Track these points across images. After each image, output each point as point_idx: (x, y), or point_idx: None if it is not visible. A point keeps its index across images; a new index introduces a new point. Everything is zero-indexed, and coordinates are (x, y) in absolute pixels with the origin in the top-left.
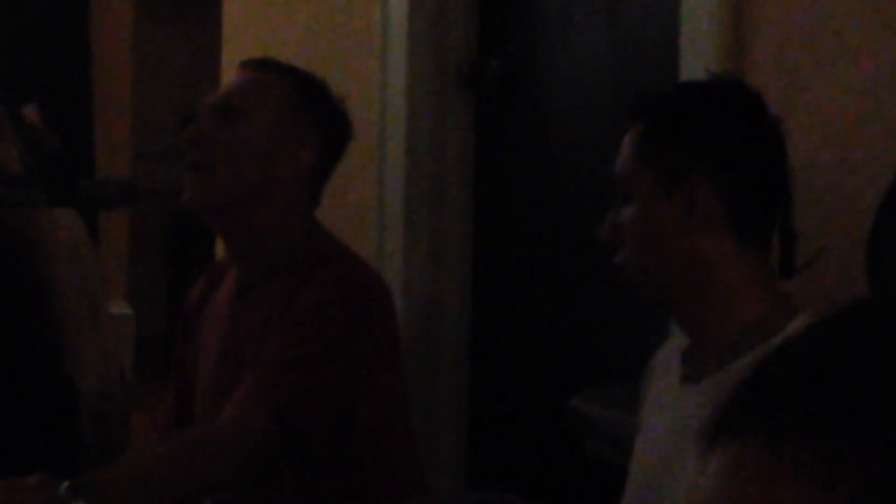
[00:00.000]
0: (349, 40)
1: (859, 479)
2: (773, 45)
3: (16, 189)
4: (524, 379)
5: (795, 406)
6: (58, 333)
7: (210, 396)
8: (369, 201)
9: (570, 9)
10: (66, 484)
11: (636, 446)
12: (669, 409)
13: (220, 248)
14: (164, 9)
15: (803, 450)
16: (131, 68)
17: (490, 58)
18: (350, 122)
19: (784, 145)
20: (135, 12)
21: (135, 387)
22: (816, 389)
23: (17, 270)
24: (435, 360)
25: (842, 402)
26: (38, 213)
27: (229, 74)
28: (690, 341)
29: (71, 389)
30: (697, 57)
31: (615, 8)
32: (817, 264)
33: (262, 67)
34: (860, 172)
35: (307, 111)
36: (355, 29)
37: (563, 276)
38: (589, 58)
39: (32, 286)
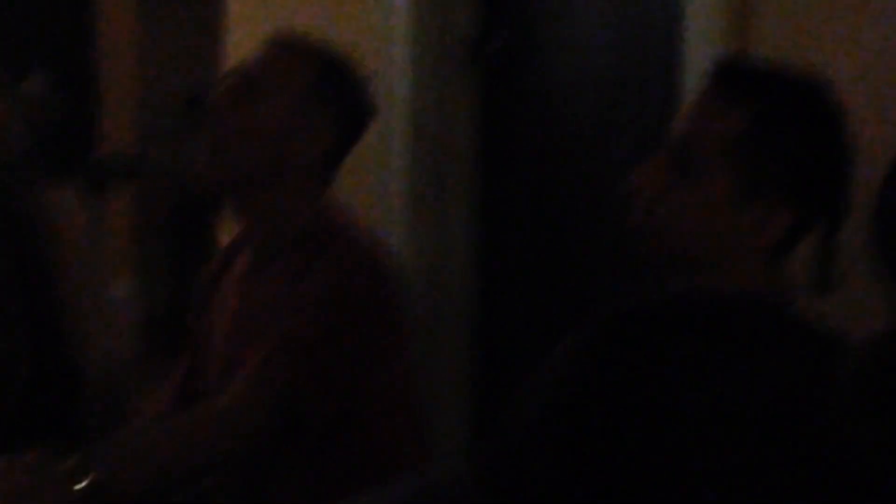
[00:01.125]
0: (352, 17)
1: None
2: (780, 21)
3: (17, 170)
4: (529, 357)
5: None
6: (62, 314)
7: (218, 374)
8: (374, 177)
9: None
10: (72, 460)
11: None
12: None
13: (223, 230)
14: None
15: None
16: (136, 48)
17: (494, 32)
18: (373, 104)
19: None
20: None
21: (139, 366)
22: None
23: (20, 252)
24: (440, 340)
25: None
26: (40, 194)
27: (235, 54)
28: None
29: (76, 371)
30: (702, 31)
31: None
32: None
33: (288, 46)
34: (866, 152)
35: (327, 94)
36: (358, 6)
37: (570, 251)
38: (592, 31)
39: (35, 268)
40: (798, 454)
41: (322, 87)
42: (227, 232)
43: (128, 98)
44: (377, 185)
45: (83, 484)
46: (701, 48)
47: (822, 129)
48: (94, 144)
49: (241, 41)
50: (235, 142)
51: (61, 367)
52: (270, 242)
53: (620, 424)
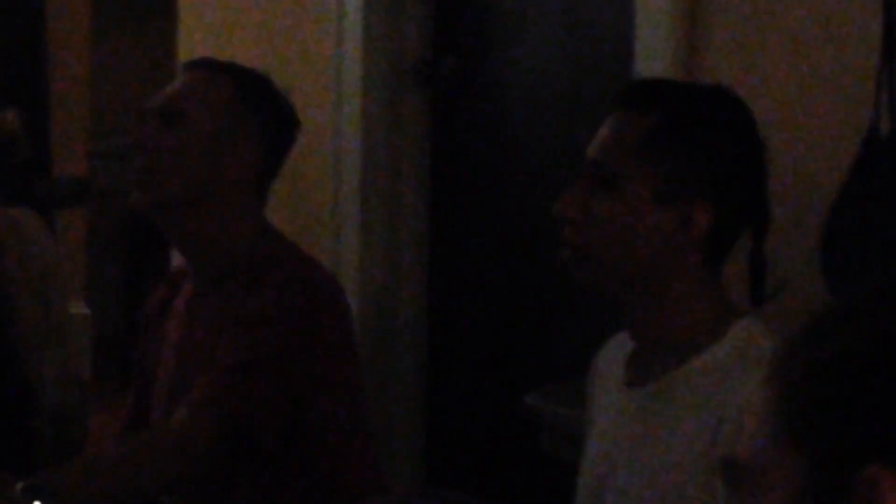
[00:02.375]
0: (304, 39)
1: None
2: (727, 41)
3: None
4: (480, 377)
5: None
6: (14, 334)
7: (166, 399)
8: (325, 201)
9: (525, 6)
10: (21, 484)
11: (586, 447)
12: (614, 413)
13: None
14: (120, 8)
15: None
16: (87, 67)
17: (445, 56)
18: (296, 116)
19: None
20: (91, 11)
21: (92, 387)
22: None
23: None
24: (391, 360)
25: None
26: None
27: None
28: (635, 346)
29: (28, 389)
30: (652, 54)
31: (570, 5)
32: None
33: (203, 68)
34: (815, 163)
35: (250, 110)
36: (310, 27)
37: (519, 275)
38: (544, 55)
39: None
40: None
41: (241, 100)
42: (176, 253)
43: (79, 120)
44: (328, 208)
45: None
46: (653, 67)
47: (725, 128)
48: (46, 165)
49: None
50: (164, 166)
51: (13, 385)
52: (212, 266)
53: None
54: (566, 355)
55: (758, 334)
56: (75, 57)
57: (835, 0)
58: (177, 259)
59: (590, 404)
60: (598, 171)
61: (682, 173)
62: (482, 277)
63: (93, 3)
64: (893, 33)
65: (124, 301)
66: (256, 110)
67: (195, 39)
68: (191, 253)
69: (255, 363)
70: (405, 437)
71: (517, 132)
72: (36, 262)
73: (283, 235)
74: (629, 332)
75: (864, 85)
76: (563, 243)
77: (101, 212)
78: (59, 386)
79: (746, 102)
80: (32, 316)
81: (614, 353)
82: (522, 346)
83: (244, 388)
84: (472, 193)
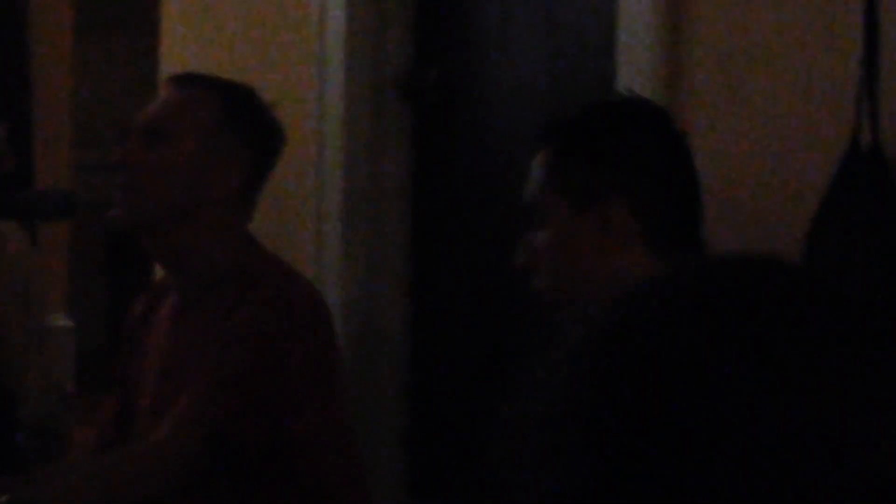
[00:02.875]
0: (286, 50)
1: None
2: (710, 51)
3: None
4: (463, 391)
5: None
6: None
7: (150, 414)
8: (307, 214)
9: (507, 18)
10: (4, 498)
11: None
12: None
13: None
14: (103, 18)
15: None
16: (70, 79)
17: (428, 68)
18: (281, 130)
19: (691, 158)
20: (73, 22)
21: (75, 399)
22: None
23: None
24: (374, 375)
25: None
26: None
27: None
28: None
29: (11, 402)
30: (634, 65)
31: (552, 17)
32: None
33: (187, 84)
34: (796, 175)
35: (235, 127)
36: (292, 39)
37: (502, 288)
38: (527, 67)
39: None
40: None
41: (226, 117)
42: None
43: (62, 132)
44: (310, 221)
45: None
46: (635, 79)
47: (620, 129)
48: (29, 177)
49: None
50: (148, 183)
51: None
52: (196, 282)
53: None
54: None
55: None
56: (58, 69)
57: (816, 11)
58: (159, 272)
59: None
60: (530, 212)
61: (588, 181)
62: (466, 289)
63: (76, 14)
64: (874, 44)
65: (107, 313)
66: (241, 126)
67: (177, 51)
68: (174, 269)
69: (238, 378)
70: (388, 451)
71: (500, 143)
72: (18, 274)
73: (266, 250)
74: None
75: (846, 96)
76: (538, 286)
77: (83, 224)
78: (41, 398)
79: (656, 105)
80: (14, 328)
81: None
82: (507, 359)
83: (228, 403)
84: (455, 205)
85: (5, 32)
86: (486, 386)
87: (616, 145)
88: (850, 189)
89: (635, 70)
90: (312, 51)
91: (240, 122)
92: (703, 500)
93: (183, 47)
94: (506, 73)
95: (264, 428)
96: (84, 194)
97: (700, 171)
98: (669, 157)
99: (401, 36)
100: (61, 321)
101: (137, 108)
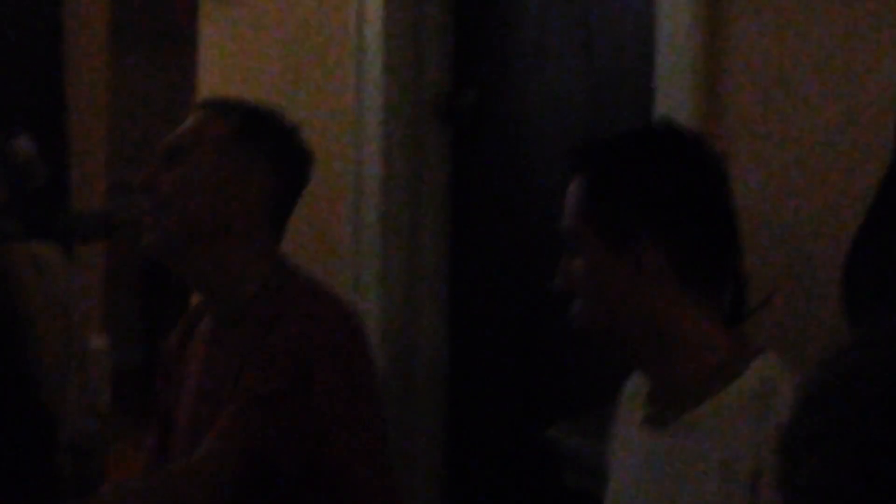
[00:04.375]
0: (325, 72)
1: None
2: (748, 75)
3: None
4: (501, 410)
5: None
6: (36, 367)
7: (188, 437)
8: (345, 234)
9: (545, 39)
10: None
11: (609, 483)
12: (635, 450)
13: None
14: (139, 39)
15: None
16: (106, 99)
17: (466, 89)
18: (306, 149)
19: (728, 185)
20: (109, 43)
21: (111, 419)
22: None
23: None
24: (411, 392)
25: None
26: (13, 246)
27: None
28: (652, 385)
29: (51, 423)
30: (672, 88)
31: (590, 38)
32: (788, 299)
33: (208, 106)
34: (837, 199)
35: (255, 146)
36: (331, 61)
37: (540, 307)
38: (564, 88)
39: (9, 319)
40: None
41: (246, 139)
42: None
43: (98, 153)
44: (349, 241)
45: None
46: (673, 100)
47: (652, 166)
48: (65, 198)
49: (214, 95)
50: (170, 202)
51: (36, 419)
52: (229, 304)
53: None
54: (589, 388)
55: (776, 371)
56: (94, 89)
57: (856, 34)
58: (195, 295)
59: (612, 439)
60: (566, 238)
61: (621, 220)
62: (503, 309)
63: (112, 35)
64: None
65: (143, 334)
66: (258, 141)
67: (214, 72)
68: (206, 292)
69: (272, 398)
70: (426, 470)
71: (537, 164)
72: (57, 295)
73: (300, 270)
74: (643, 374)
75: (887, 119)
76: (574, 314)
77: (119, 244)
78: (79, 419)
79: (691, 133)
80: (53, 349)
81: (636, 389)
82: (544, 379)
83: (263, 422)
84: (492, 225)
85: (42, 54)
86: (526, 405)
87: (647, 183)
88: (892, 206)
89: (674, 89)
90: (351, 73)
91: (257, 138)
92: None
93: (219, 69)
94: (543, 94)
95: (300, 447)
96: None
97: (739, 194)
98: (705, 192)
99: (438, 58)
100: (97, 341)
101: (172, 127)
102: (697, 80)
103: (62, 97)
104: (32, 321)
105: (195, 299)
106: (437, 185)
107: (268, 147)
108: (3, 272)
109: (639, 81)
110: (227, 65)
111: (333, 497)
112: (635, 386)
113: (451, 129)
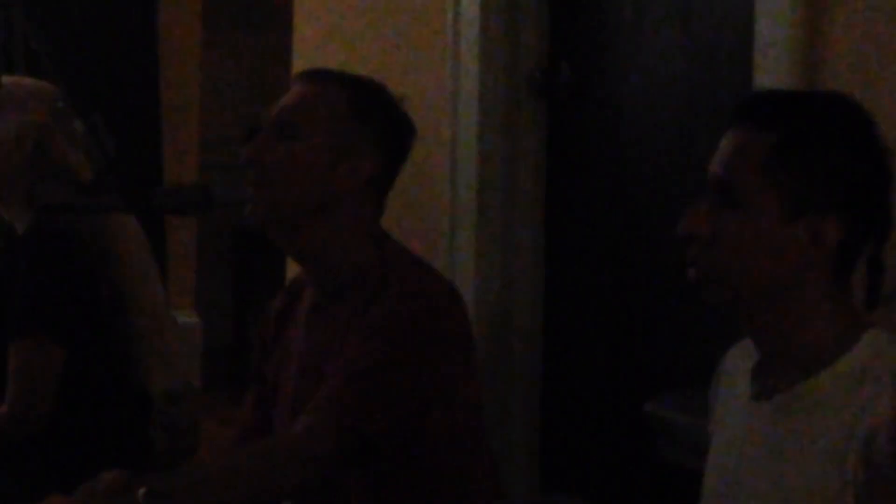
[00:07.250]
0: (420, 48)
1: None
2: (848, 51)
3: (87, 196)
4: (597, 383)
5: None
6: (129, 341)
7: (290, 409)
8: (441, 209)
9: (642, 14)
10: (143, 490)
11: (709, 457)
12: (740, 424)
13: (288, 260)
14: (232, 18)
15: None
16: (198, 78)
17: (562, 65)
18: (410, 123)
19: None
20: (202, 21)
21: (202, 396)
22: None
23: (91, 279)
24: (507, 365)
25: None
26: (108, 220)
27: None
28: (761, 356)
29: (144, 398)
30: (771, 63)
31: (688, 13)
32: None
33: (316, 79)
34: None
35: (364, 121)
36: (427, 37)
37: (636, 281)
38: (661, 64)
39: (105, 294)
40: None
41: (355, 111)
42: (289, 264)
43: (190, 130)
44: (445, 216)
45: None
46: (772, 77)
47: (851, 140)
48: (158, 176)
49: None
50: (280, 178)
51: (130, 391)
52: (332, 277)
53: None
54: (686, 361)
55: (887, 346)
56: (186, 68)
57: None
58: (292, 268)
59: (713, 414)
60: (722, 188)
61: (810, 189)
62: (598, 285)
63: (204, 14)
64: None
65: (233, 312)
66: (370, 121)
67: (309, 48)
68: (309, 265)
69: (375, 371)
70: (522, 444)
71: (633, 141)
72: (144, 268)
73: (401, 245)
74: (754, 343)
75: None
76: (689, 263)
77: (210, 222)
78: (170, 395)
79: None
80: (143, 323)
81: (739, 363)
82: (641, 351)
83: (365, 396)
84: (587, 201)
85: (136, 33)
86: (622, 379)
87: (848, 156)
88: None
89: (773, 63)
90: (446, 50)
91: (368, 115)
92: None
93: (314, 47)
94: (640, 70)
95: (399, 421)
96: (211, 192)
97: None
98: (883, 179)
99: (534, 34)
100: (188, 318)
101: (262, 110)
102: (797, 55)
103: (156, 79)
104: (126, 295)
105: (290, 274)
106: (533, 161)
107: (377, 122)
108: (99, 247)
109: (737, 56)
110: (321, 42)
111: (432, 473)
112: (737, 360)
113: (546, 105)
